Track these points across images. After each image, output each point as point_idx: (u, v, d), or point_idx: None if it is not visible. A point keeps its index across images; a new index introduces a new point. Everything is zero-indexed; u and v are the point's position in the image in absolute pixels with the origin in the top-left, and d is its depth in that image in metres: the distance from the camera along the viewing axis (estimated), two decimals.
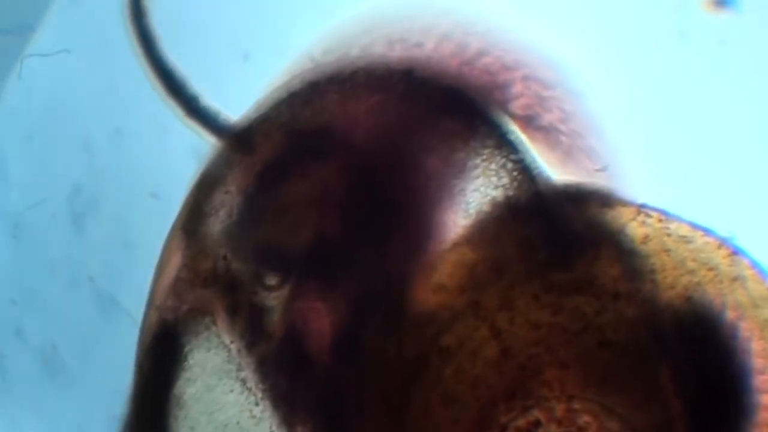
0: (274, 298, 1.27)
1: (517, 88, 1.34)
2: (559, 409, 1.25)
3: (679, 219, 1.31)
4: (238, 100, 1.38)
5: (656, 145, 1.36)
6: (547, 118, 1.35)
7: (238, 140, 1.33)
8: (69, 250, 1.47)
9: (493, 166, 1.29)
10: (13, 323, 1.52)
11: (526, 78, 1.35)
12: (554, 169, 1.34)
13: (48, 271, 1.49)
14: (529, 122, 1.34)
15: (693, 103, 1.37)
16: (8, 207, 1.51)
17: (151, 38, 1.39)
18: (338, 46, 1.35)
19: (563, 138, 1.35)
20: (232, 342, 1.28)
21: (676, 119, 1.37)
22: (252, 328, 1.27)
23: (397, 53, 1.34)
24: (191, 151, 1.37)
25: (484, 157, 1.30)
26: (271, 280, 1.27)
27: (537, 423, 1.25)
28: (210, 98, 1.39)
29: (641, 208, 1.31)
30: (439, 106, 1.30)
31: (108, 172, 1.42)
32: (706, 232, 1.31)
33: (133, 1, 1.39)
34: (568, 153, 1.35)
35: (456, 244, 1.28)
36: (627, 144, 1.36)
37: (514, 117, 1.34)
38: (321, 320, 1.26)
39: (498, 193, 1.29)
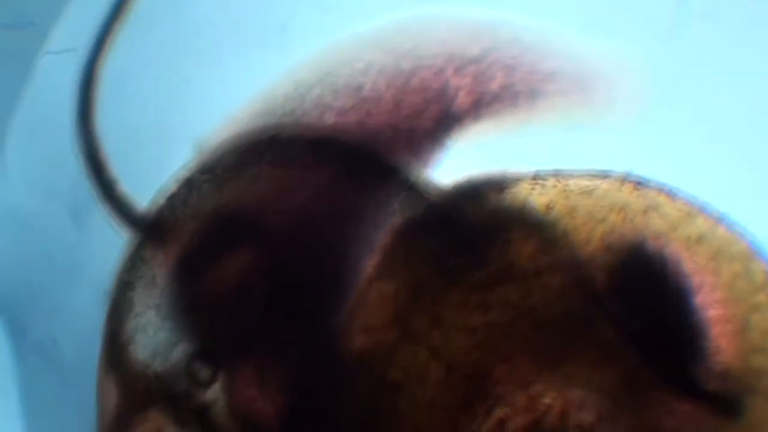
0: (212, 392, 1.30)
1: (453, 84, 1.35)
2: (521, 399, 1.26)
3: (574, 173, 1.32)
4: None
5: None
6: (493, 87, 1.36)
7: (148, 234, 1.35)
8: (69, 245, 1.48)
9: (381, 196, 1.31)
10: (14, 318, 1.53)
11: (458, 70, 1.36)
12: (529, 121, 1.35)
13: (48, 266, 1.50)
14: (479, 106, 1.35)
15: None
16: (8, 202, 1.52)
17: (90, 113, 1.40)
18: (290, 100, 1.37)
19: (518, 88, 1.36)
20: None
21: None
22: (203, 430, 1.29)
23: (340, 102, 1.35)
24: (191, 145, 1.38)
25: (372, 193, 1.31)
26: (204, 375, 1.29)
27: (503, 420, 1.27)
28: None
29: (536, 177, 1.32)
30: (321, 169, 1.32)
31: None
32: (605, 175, 1.32)
33: (86, 71, 1.40)
34: (531, 96, 1.36)
35: (370, 282, 1.29)
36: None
37: (463, 113, 1.35)
38: (263, 404, 1.28)
39: (394, 220, 1.31)
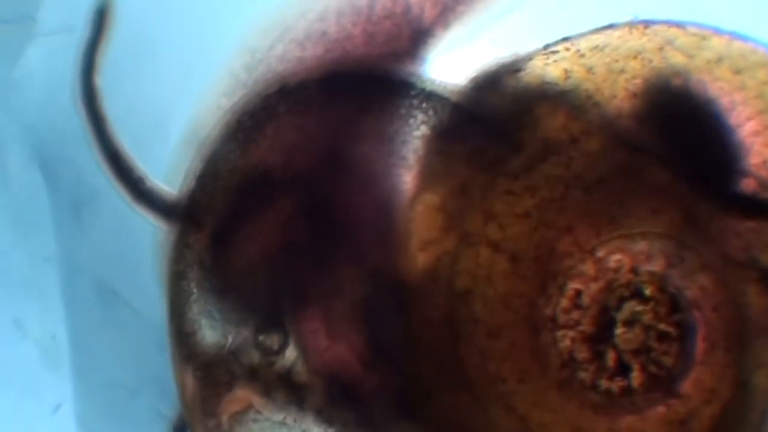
0: (288, 354, 1.33)
1: (415, 2, 1.36)
2: (588, 267, 1.29)
3: (582, 34, 1.33)
4: None
5: None
6: None
7: (187, 219, 1.36)
8: (69, 240, 1.48)
9: (402, 112, 1.32)
10: (13, 313, 1.52)
11: None
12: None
13: (48, 262, 1.49)
14: (446, 13, 1.35)
15: None
16: (9, 197, 1.51)
17: (103, 121, 1.41)
18: (255, 59, 1.37)
19: None
20: (284, 417, 1.33)
21: None
22: (291, 393, 1.31)
23: (310, 51, 1.36)
24: (190, 138, 1.38)
25: (392, 112, 1.32)
26: (275, 343, 1.31)
27: (577, 293, 1.29)
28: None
29: (546, 50, 1.32)
30: (344, 104, 1.33)
31: None
32: (611, 27, 1.33)
33: (85, 84, 1.40)
34: None
35: (415, 198, 1.30)
36: None
37: (434, 25, 1.36)
38: (338, 350, 1.31)
39: (423, 131, 1.32)
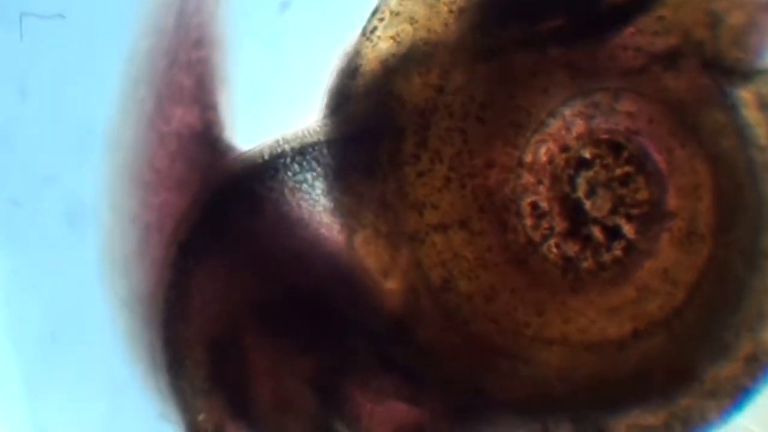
0: None
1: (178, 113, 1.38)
2: (527, 177, 1.32)
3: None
4: None
5: None
6: (188, 84, 1.38)
7: None
8: (70, 233, 1.48)
9: (291, 184, 1.36)
10: (13, 309, 1.51)
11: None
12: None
13: (48, 255, 1.50)
14: (206, 94, 1.38)
15: None
16: (8, 186, 1.50)
17: None
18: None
19: (194, 46, 1.38)
20: None
21: None
22: None
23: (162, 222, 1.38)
24: None
25: (283, 190, 1.36)
26: None
27: (533, 206, 1.32)
28: None
29: (365, 32, 1.33)
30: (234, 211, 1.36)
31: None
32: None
33: None
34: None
35: (352, 243, 1.34)
36: None
37: (208, 109, 1.37)
38: (385, 407, 1.34)
39: (319, 186, 1.35)
